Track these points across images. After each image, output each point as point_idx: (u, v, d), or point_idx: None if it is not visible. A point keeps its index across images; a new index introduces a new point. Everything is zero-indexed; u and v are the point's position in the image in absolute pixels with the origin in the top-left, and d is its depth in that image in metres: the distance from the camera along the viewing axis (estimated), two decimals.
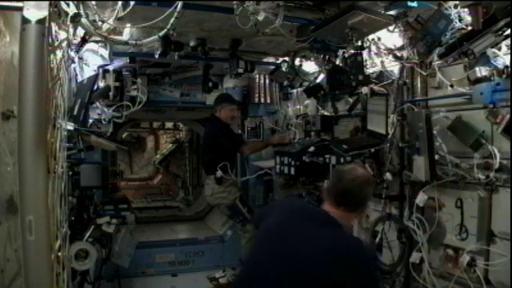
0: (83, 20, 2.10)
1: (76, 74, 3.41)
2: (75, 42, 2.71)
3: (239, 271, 2.01)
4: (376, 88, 2.90)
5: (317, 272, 1.69)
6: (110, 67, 3.74)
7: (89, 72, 3.50)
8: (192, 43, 3.31)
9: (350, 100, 3.35)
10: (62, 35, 2.00)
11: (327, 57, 3.43)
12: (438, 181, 2.42)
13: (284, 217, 1.98)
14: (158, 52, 3.06)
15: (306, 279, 1.69)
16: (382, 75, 2.92)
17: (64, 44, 1.97)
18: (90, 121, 3.63)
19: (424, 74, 2.59)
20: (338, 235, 1.83)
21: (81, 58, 3.36)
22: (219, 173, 3.95)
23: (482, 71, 2.12)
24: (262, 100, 4.70)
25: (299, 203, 2.30)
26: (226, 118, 4.18)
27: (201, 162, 4.96)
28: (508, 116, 2.03)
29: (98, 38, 2.63)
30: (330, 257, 1.72)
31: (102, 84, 3.72)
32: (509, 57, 2.09)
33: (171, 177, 9.24)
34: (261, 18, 2.36)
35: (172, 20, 2.30)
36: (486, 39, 2.10)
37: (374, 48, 2.94)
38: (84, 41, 2.75)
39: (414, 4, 2.22)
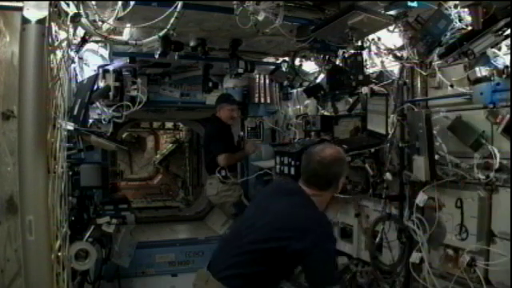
0: (83, 20, 2.10)
1: (76, 74, 3.41)
2: (75, 42, 2.71)
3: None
4: (376, 88, 2.90)
5: (275, 235, 1.93)
6: (110, 67, 3.74)
7: (89, 72, 3.50)
8: (192, 43, 3.31)
9: (350, 100, 3.34)
10: (62, 35, 2.00)
11: (327, 57, 3.43)
12: (437, 181, 2.42)
13: (268, 192, 2.31)
14: (158, 52, 3.06)
15: (267, 243, 1.93)
16: (382, 75, 2.92)
17: (64, 44, 1.97)
18: (90, 121, 3.63)
19: (424, 73, 2.59)
20: (298, 204, 2.02)
21: (81, 58, 3.36)
22: (223, 172, 4.02)
23: (482, 71, 2.12)
24: (262, 100, 4.70)
25: (283, 182, 2.55)
26: (225, 118, 4.22)
27: (203, 161, 4.97)
28: (508, 116, 2.03)
29: (98, 38, 2.63)
30: (284, 221, 1.96)
31: (102, 84, 3.72)
32: (509, 57, 2.09)
33: (171, 177, 9.24)
34: (261, 18, 2.36)
35: (172, 20, 2.30)
36: (486, 39, 2.10)
37: (374, 48, 2.94)
38: (84, 41, 2.75)
39: (414, 4, 2.22)
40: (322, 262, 1.94)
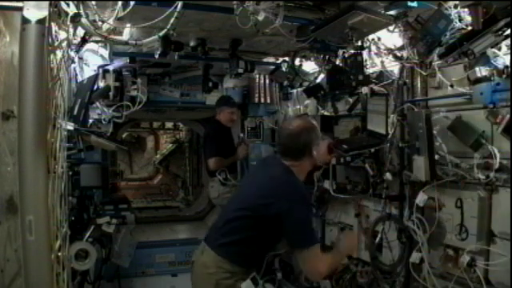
0: (83, 20, 2.10)
1: (76, 74, 3.41)
2: (75, 42, 2.71)
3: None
4: (376, 88, 2.90)
5: (259, 201, 2.14)
6: (110, 67, 3.74)
7: (89, 72, 3.50)
8: (192, 43, 3.30)
9: (350, 100, 3.34)
10: (62, 35, 2.00)
11: (327, 57, 3.43)
12: (437, 181, 2.42)
13: (256, 166, 2.86)
14: (158, 52, 3.06)
15: (253, 209, 2.15)
16: (382, 75, 2.92)
17: (64, 44, 1.97)
18: (90, 121, 3.63)
19: (424, 73, 2.59)
20: (278, 173, 2.23)
21: (81, 58, 3.36)
22: (224, 174, 4.02)
23: (482, 71, 2.12)
24: (262, 100, 4.70)
25: (270, 156, 2.99)
26: (225, 121, 4.22)
27: (204, 163, 4.97)
28: (508, 116, 2.03)
29: (98, 38, 2.63)
30: (266, 189, 2.19)
31: (102, 84, 3.71)
32: (509, 57, 2.09)
33: (171, 177, 9.23)
34: (261, 18, 2.36)
35: (172, 20, 2.30)
36: (486, 39, 2.10)
37: (374, 48, 2.94)
38: (84, 41, 2.75)
39: (414, 4, 2.22)
40: (299, 223, 2.09)
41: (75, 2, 2.01)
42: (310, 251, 2.09)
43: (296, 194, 2.13)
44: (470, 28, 2.23)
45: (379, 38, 2.88)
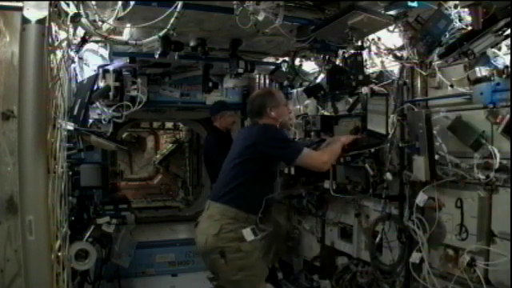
0: (83, 20, 2.10)
1: (76, 74, 3.41)
2: (75, 42, 2.71)
3: None
4: (376, 88, 2.90)
5: (247, 149, 2.67)
6: (110, 67, 3.74)
7: (89, 72, 3.50)
8: (192, 43, 3.30)
9: (350, 100, 3.34)
10: (62, 35, 2.00)
11: (327, 57, 3.43)
12: (437, 181, 2.42)
13: (240, 133, 3.21)
14: (158, 52, 3.06)
15: (242, 156, 2.68)
16: (381, 75, 2.92)
17: (64, 44, 1.97)
18: (90, 121, 3.63)
19: (424, 73, 2.59)
20: (257, 127, 2.82)
21: (81, 58, 3.36)
22: None
23: (482, 71, 2.12)
24: None
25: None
26: (227, 125, 4.18)
27: (206, 170, 4.92)
28: (508, 116, 2.03)
29: (98, 38, 2.63)
30: (250, 138, 2.72)
31: (102, 84, 3.72)
32: (509, 57, 2.09)
33: (171, 177, 9.23)
34: (261, 18, 2.36)
35: (172, 20, 2.30)
36: (486, 39, 2.10)
37: (374, 48, 2.94)
38: (84, 41, 2.75)
39: (414, 4, 2.22)
40: (279, 142, 2.66)
41: (75, 2, 2.02)
42: (303, 154, 2.60)
43: (268, 129, 2.73)
44: (470, 28, 2.23)
45: (379, 38, 2.88)
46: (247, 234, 2.59)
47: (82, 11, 2.07)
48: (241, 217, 2.61)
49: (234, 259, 2.56)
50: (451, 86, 2.39)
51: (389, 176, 2.76)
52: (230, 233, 2.57)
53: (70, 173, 3.03)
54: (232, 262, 2.56)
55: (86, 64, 3.48)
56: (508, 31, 2.06)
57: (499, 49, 2.15)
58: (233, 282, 2.61)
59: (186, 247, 4.67)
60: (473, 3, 2.05)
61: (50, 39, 1.74)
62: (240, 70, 3.59)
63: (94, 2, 2.19)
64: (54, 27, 1.85)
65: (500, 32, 2.07)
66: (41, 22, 1.65)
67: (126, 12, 2.25)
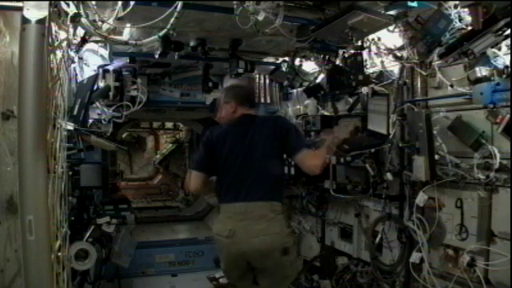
0: (83, 20, 2.09)
1: (76, 74, 3.41)
2: (75, 42, 2.71)
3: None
4: (376, 88, 2.90)
5: (277, 140, 2.54)
6: (110, 67, 3.74)
7: (89, 72, 3.49)
8: (192, 43, 3.30)
9: (350, 100, 3.35)
10: (62, 35, 2.00)
11: (327, 57, 3.43)
12: (437, 181, 2.42)
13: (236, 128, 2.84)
14: (158, 52, 3.05)
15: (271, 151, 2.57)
16: (382, 75, 2.92)
17: (64, 44, 1.97)
18: (90, 121, 3.63)
19: (424, 73, 2.59)
20: (273, 118, 3.04)
21: (81, 58, 3.35)
22: None
23: (482, 71, 2.12)
24: (262, 100, 4.68)
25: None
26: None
27: None
28: (508, 116, 2.03)
29: (98, 38, 2.62)
30: (278, 129, 2.55)
31: (101, 84, 3.71)
32: (509, 57, 2.09)
33: (171, 177, 9.23)
34: (261, 18, 2.36)
35: (172, 20, 2.30)
36: (486, 39, 2.11)
37: (374, 48, 2.94)
38: (84, 41, 2.75)
39: (414, 4, 2.22)
40: (299, 135, 2.66)
41: (75, 1, 2.01)
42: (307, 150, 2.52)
43: (285, 119, 3.08)
44: (470, 28, 2.23)
45: (379, 38, 2.88)
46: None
47: (82, 11, 2.07)
48: (280, 209, 2.55)
49: (293, 252, 2.59)
50: (451, 85, 2.39)
51: (389, 176, 2.76)
52: (286, 228, 2.61)
53: (70, 173, 3.02)
54: (293, 256, 2.57)
55: (85, 64, 3.47)
56: (508, 31, 2.06)
57: (499, 49, 2.15)
58: (288, 276, 2.59)
59: (186, 247, 4.67)
60: (473, 3, 2.05)
61: (49, 39, 1.74)
62: (240, 70, 3.59)
63: (93, 2, 2.19)
64: (54, 27, 1.85)
65: (500, 32, 2.08)
66: (41, 21, 1.65)
67: (125, 12, 2.24)
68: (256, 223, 2.43)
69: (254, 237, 2.41)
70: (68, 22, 1.96)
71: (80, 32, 2.64)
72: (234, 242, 2.45)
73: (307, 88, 3.85)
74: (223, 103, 2.70)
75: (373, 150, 2.89)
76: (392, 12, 2.43)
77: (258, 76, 4.57)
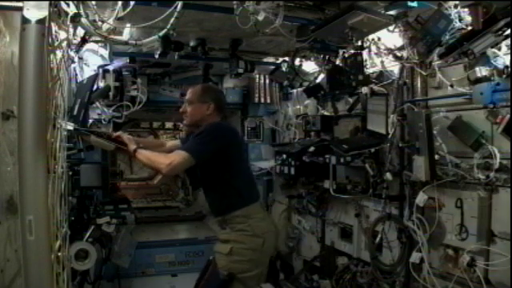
0: (83, 20, 2.09)
1: (76, 74, 3.41)
2: (75, 42, 2.71)
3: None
4: (376, 88, 2.90)
5: None
6: (110, 67, 3.74)
7: (89, 72, 3.49)
8: (192, 43, 3.31)
9: (350, 100, 3.35)
10: (62, 35, 1.99)
11: (327, 57, 3.43)
12: (438, 181, 2.42)
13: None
14: (158, 52, 3.06)
15: None
16: (382, 75, 2.92)
17: (64, 44, 1.96)
18: (90, 121, 3.63)
19: (424, 73, 2.59)
20: None
21: (81, 58, 3.35)
22: None
23: (482, 71, 2.12)
24: (262, 100, 4.69)
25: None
26: None
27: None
28: (508, 116, 2.03)
29: (98, 38, 2.62)
30: None
31: (101, 84, 3.72)
32: (509, 57, 2.09)
33: (171, 177, 9.22)
34: (261, 18, 2.36)
35: (172, 20, 2.30)
36: (486, 39, 2.11)
37: (374, 48, 2.94)
38: (84, 41, 2.75)
39: (414, 4, 2.22)
40: None
41: (75, 1, 2.01)
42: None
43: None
44: (470, 28, 2.24)
45: (379, 38, 2.88)
46: None
47: (82, 11, 2.07)
48: None
49: None
50: (451, 85, 2.39)
51: (389, 176, 2.76)
52: None
53: (70, 173, 3.02)
54: None
55: (85, 64, 3.47)
56: (508, 31, 2.06)
57: (499, 49, 2.15)
58: None
59: (186, 247, 4.66)
60: (473, 3, 2.05)
61: (49, 39, 1.74)
62: (240, 70, 3.59)
63: (94, 2, 2.19)
64: (54, 27, 1.85)
65: (500, 32, 2.08)
66: (41, 22, 1.65)
67: (125, 12, 2.24)
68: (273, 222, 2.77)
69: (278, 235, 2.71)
70: (68, 22, 1.96)
71: (80, 32, 2.64)
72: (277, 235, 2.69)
73: (307, 88, 3.85)
74: (198, 102, 2.59)
75: (372, 150, 2.89)
76: (392, 12, 2.43)
77: (257, 76, 4.58)
